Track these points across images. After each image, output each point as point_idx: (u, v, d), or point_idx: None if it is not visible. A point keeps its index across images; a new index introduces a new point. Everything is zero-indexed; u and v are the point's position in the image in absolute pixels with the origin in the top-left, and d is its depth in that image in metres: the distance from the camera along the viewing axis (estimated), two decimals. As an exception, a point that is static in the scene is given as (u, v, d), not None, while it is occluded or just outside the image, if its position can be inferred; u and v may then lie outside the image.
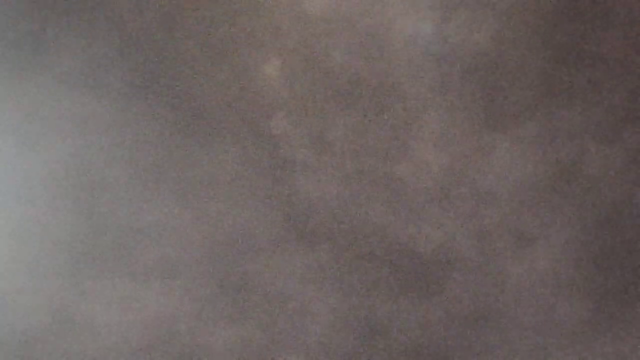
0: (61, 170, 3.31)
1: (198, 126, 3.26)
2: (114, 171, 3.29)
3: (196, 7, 3.24)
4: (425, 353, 3.10)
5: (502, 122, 3.11)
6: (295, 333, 3.16)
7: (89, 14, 3.23)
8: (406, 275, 3.13)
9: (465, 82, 3.14)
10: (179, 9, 3.21)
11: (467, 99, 3.14)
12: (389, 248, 3.14)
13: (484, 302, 3.07)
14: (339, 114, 3.20)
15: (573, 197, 3.07)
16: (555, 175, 3.08)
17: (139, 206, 3.27)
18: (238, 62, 3.25)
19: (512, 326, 3.05)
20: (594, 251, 3.04)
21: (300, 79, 3.22)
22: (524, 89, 3.11)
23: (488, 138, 3.11)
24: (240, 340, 3.19)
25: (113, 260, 3.25)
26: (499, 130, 3.11)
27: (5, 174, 3.35)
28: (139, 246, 3.25)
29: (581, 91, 3.10)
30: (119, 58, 3.28)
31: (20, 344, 3.27)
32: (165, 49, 3.27)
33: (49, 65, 3.31)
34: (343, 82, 3.19)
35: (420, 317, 3.11)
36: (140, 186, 3.26)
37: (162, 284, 3.25)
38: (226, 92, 3.23)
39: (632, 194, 3.03)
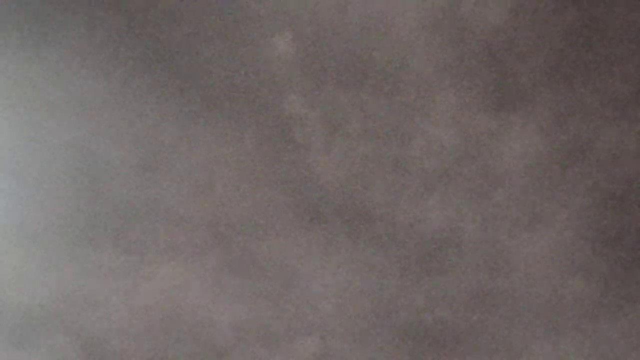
0: (68, 151, 3.32)
1: (208, 107, 3.26)
2: (123, 152, 3.30)
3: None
4: (432, 331, 3.09)
5: (515, 101, 3.09)
6: (303, 311, 3.16)
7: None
8: (415, 255, 3.12)
9: (478, 62, 3.12)
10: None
11: (479, 78, 3.12)
12: (399, 228, 3.13)
13: (492, 281, 3.06)
14: (351, 94, 3.19)
15: (585, 176, 3.05)
16: (567, 154, 3.06)
17: (148, 187, 3.27)
18: (248, 41, 3.24)
19: (519, 305, 3.04)
20: (604, 230, 3.02)
21: (312, 59, 3.21)
22: (537, 68, 3.09)
23: (501, 117, 3.10)
24: (249, 318, 3.19)
25: (119, 238, 3.26)
26: (511, 109, 3.09)
27: (11, 153, 3.37)
28: (147, 226, 3.26)
29: (595, 70, 3.07)
30: (126, 39, 3.28)
31: (24, 319, 3.29)
32: (173, 29, 3.27)
33: (55, 47, 3.32)
34: (355, 62, 3.18)
35: (428, 296, 3.10)
36: (149, 167, 3.27)
37: (170, 263, 3.25)
38: (237, 73, 3.23)
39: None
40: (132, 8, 3.28)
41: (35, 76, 3.33)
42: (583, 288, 3.00)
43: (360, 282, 3.14)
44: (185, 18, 3.26)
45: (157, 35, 3.28)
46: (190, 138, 3.26)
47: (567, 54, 3.09)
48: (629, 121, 3.04)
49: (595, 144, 3.05)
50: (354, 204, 3.17)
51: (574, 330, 3.00)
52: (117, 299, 3.26)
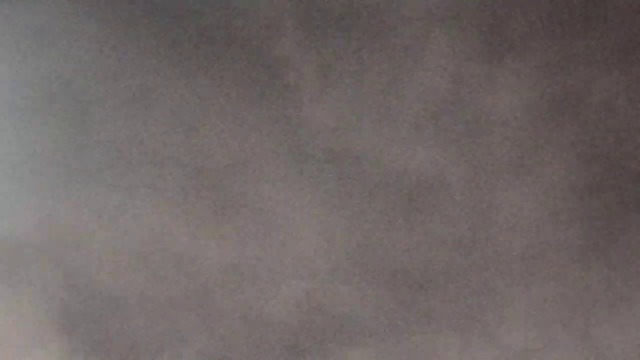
0: (53, 86, 3.30)
1: (197, 49, 3.25)
2: (110, 90, 3.28)
3: None
4: (417, 273, 3.14)
5: (508, 49, 3.11)
6: (291, 253, 3.20)
7: None
8: (402, 200, 3.16)
9: (472, 9, 3.13)
10: None
11: (473, 26, 3.14)
12: (387, 173, 3.16)
13: (477, 227, 3.11)
14: (344, 39, 3.19)
15: (576, 126, 3.09)
16: (559, 103, 3.10)
17: (134, 126, 3.27)
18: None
19: (502, 252, 3.09)
20: (592, 179, 3.07)
21: (305, 2, 3.20)
22: (530, 15, 3.11)
23: (493, 65, 3.12)
24: (236, 259, 3.22)
25: (103, 173, 3.26)
26: (504, 57, 3.12)
27: None
28: (132, 165, 3.26)
29: (589, 20, 3.10)
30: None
31: (8, 253, 3.29)
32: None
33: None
34: (348, 6, 3.18)
35: (414, 239, 3.15)
36: (136, 107, 3.25)
37: (155, 202, 3.26)
38: (228, 15, 3.21)
39: (637, 124, 3.05)
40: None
41: (21, 12, 3.29)
42: (567, 236, 3.06)
43: (348, 225, 3.18)
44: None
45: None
46: (178, 79, 3.24)
47: (561, 3, 3.10)
48: (621, 72, 3.08)
49: (587, 94, 3.09)
50: (343, 148, 3.19)
51: (555, 276, 3.07)
52: (101, 236, 3.27)
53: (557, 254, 3.05)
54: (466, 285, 3.11)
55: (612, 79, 3.06)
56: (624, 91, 3.04)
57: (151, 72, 3.22)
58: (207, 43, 3.21)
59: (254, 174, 3.22)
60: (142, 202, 3.25)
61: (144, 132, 3.25)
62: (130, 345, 3.22)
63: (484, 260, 3.10)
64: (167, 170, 3.25)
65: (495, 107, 3.11)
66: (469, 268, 3.11)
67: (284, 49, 3.20)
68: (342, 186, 3.18)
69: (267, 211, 3.21)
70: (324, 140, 3.19)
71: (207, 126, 3.23)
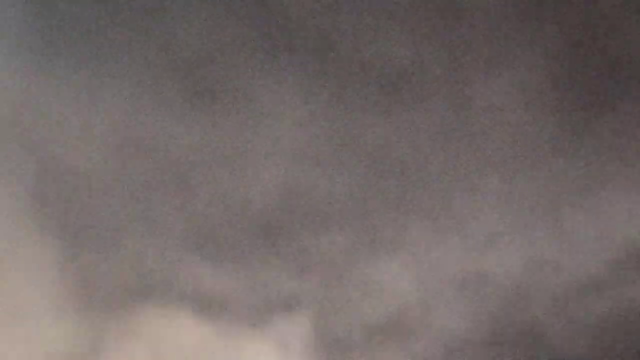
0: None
1: None
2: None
3: None
4: (390, 164, 3.21)
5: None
6: (270, 140, 3.21)
7: None
8: (377, 90, 3.19)
9: None
10: None
11: None
12: (365, 61, 3.18)
13: (452, 118, 3.17)
14: None
15: (552, 20, 3.14)
16: (536, -3, 3.13)
17: (106, 13, 3.18)
18: None
19: (477, 142, 3.17)
20: (569, 71, 3.14)
21: None
22: None
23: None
24: (213, 145, 3.22)
25: (77, 59, 3.20)
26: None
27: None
28: (104, 51, 3.20)
29: None
30: None
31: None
32: None
33: None
34: None
35: (388, 130, 3.20)
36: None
37: (126, 86, 3.22)
38: None
39: (613, 18, 3.11)
40: None
41: None
42: (541, 126, 3.15)
43: (325, 113, 3.20)
44: None
45: None
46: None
47: None
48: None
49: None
50: (322, 36, 3.18)
51: (528, 165, 3.17)
52: (74, 120, 3.22)
53: (531, 143, 3.15)
54: (440, 174, 3.19)
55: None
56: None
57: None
58: None
59: (229, 62, 3.19)
60: (116, 89, 3.20)
61: (117, 20, 3.17)
62: (102, 227, 3.22)
63: (458, 150, 3.18)
64: (138, 56, 3.20)
65: (475, -2, 3.13)
66: (444, 157, 3.18)
67: None
68: (320, 74, 3.18)
69: (243, 98, 3.20)
70: (302, 28, 3.17)
71: (180, 14, 3.17)
